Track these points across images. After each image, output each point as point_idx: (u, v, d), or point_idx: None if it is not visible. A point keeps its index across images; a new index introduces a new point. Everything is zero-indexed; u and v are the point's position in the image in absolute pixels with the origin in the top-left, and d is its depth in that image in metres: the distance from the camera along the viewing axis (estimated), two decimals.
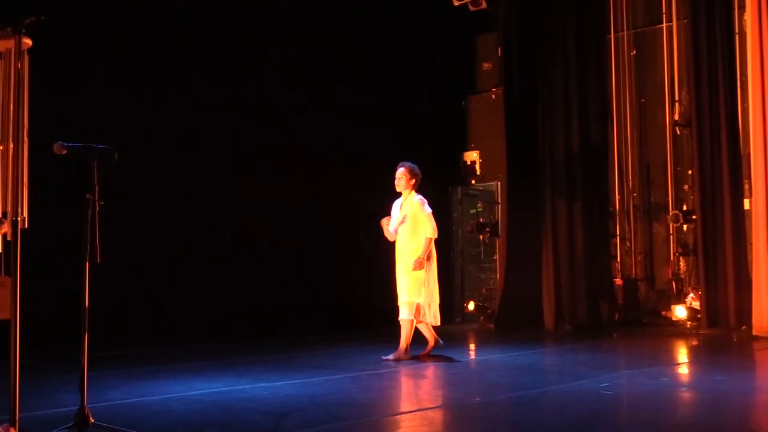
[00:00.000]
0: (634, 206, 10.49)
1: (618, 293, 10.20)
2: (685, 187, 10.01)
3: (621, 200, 10.55)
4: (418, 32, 10.91)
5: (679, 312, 9.58)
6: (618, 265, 10.41)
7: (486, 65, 11.54)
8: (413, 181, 7.22)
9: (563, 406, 4.98)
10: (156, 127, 8.44)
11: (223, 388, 5.64)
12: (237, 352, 7.80)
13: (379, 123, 10.47)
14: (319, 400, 5.27)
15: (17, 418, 3.63)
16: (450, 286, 11.43)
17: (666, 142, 10.19)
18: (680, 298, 9.76)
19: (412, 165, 7.27)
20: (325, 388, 5.74)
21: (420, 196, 7.24)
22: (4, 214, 3.79)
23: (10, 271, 3.70)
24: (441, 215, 11.52)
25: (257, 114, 9.27)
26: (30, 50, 3.89)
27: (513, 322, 9.97)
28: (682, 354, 8.01)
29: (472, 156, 11.52)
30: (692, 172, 9.65)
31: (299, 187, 9.61)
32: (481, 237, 11.24)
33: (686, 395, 5.70)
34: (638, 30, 10.54)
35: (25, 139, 3.81)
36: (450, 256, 11.48)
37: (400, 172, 7.24)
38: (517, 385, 5.90)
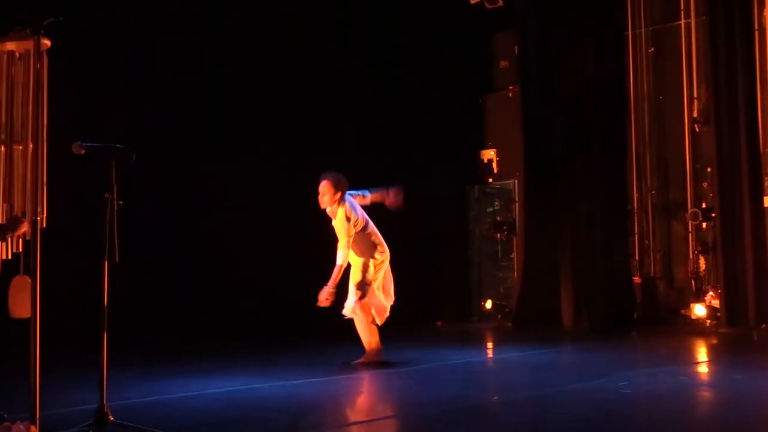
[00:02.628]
0: (653, 204, 10.43)
1: (636, 291, 10.14)
2: (704, 184, 9.94)
3: (639, 198, 10.49)
4: (434, 31, 10.89)
5: (698, 310, 9.52)
6: (636, 264, 10.35)
7: (503, 63, 11.51)
8: (339, 194, 6.39)
9: (582, 405, 4.95)
10: (172, 126, 8.46)
11: (240, 387, 5.66)
12: (255, 350, 7.83)
13: (395, 122, 10.46)
14: (336, 399, 5.28)
15: (38, 416, 3.65)
16: (467, 284, 11.43)
17: (684, 139, 10.12)
18: (699, 297, 9.69)
19: (336, 175, 6.44)
20: (342, 388, 5.75)
21: (346, 202, 6.47)
22: (23, 214, 3.82)
23: (29, 271, 3.72)
24: (458, 214, 11.57)
25: (269, 112, 9.26)
26: (49, 50, 3.92)
27: (531, 321, 9.94)
28: (702, 353, 7.96)
29: (489, 154, 11.49)
30: (711, 170, 9.58)
31: (312, 186, 9.58)
32: (498, 235, 11.22)
33: (706, 394, 5.66)
34: (656, 27, 10.48)
35: (44, 139, 3.83)
36: (467, 254, 11.48)
37: (323, 186, 6.42)
38: (535, 384, 5.88)
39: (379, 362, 6.51)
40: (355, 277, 6.60)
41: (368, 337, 6.55)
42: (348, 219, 6.41)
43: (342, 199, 6.45)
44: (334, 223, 6.52)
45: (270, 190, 9.10)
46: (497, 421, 4.78)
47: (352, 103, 10.05)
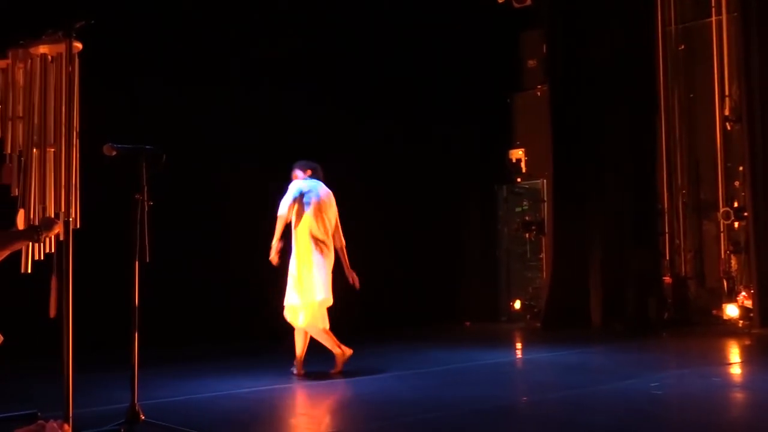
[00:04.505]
0: (684, 203, 10.33)
1: (667, 292, 10.05)
2: (736, 183, 9.83)
3: (670, 197, 10.40)
4: (462, 30, 10.87)
5: (731, 311, 9.42)
6: (667, 263, 10.26)
7: (531, 62, 11.45)
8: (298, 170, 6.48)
9: (612, 406, 4.92)
10: (204, 128, 8.52)
11: (270, 386, 5.69)
12: (284, 350, 7.85)
13: (423, 122, 10.45)
14: (364, 399, 5.29)
15: (71, 414, 3.70)
16: (496, 284, 11.39)
17: (716, 137, 10.01)
18: (731, 297, 9.59)
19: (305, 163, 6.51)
20: (372, 387, 5.75)
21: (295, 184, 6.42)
22: (57, 215, 3.87)
23: (62, 271, 3.77)
24: (486, 214, 11.53)
25: (289, 114, 9.26)
26: (80, 53, 3.96)
27: (560, 321, 9.87)
28: (734, 353, 7.87)
29: (517, 154, 11.44)
30: (743, 169, 9.47)
31: (352, 186, 9.54)
32: (527, 235, 11.17)
33: (738, 396, 5.60)
34: (687, 24, 10.38)
35: (76, 141, 3.88)
36: (496, 254, 11.44)
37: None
38: (564, 385, 5.85)
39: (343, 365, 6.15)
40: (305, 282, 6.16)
41: (330, 343, 6.18)
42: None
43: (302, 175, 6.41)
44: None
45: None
46: (526, 421, 4.76)
47: (377, 103, 10.04)
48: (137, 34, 8.11)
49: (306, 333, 6.19)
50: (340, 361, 6.17)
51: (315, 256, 6.18)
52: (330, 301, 6.21)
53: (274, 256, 6.13)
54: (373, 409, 4.96)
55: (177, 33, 8.40)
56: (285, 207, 6.19)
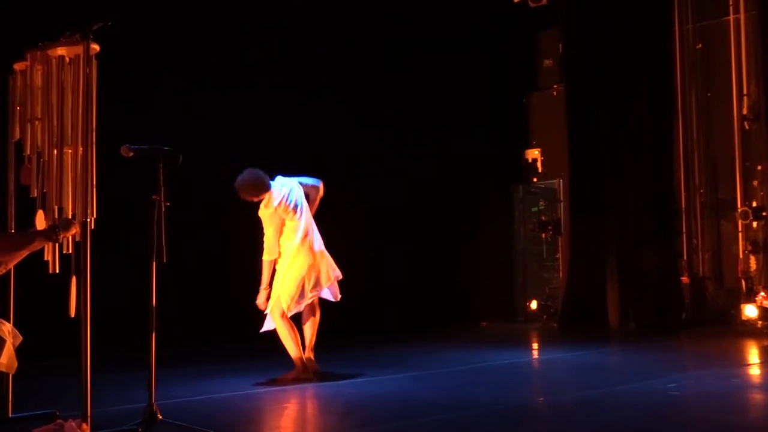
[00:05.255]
0: (701, 203, 10.27)
1: (685, 292, 9.99)
2: (755, 182, 9.76)
3: (687, 197, 10.33)
4: (478, 30, 10.86)
5: (749, 311, 9.35)
6: (685, 263, 10.20)
7: (547, 62, 11.42)
8: (263, 196, 5.87)
9: (629, 407, 4.90)
10: (218, 130, 8.55)
11: (287, 387, 5.70)
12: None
13: (438, 122, 10.44)
14: (381, 398, 5.29)
15: (89, 414, 3.72)
16: (512, 285, 11.37)
17: (734, 137, 9.94)
18: (750, 297, 9.52)
19: (245, 185, 5.84)
20: (388, 387, 5.75)
21: (271, 194, 5.88)
22: (74, 216, 3.89)
23: (80, 271, 3.79)
24: (502, 214, 11.51)
25: (302, 117, 9.26)
26: (97, 55, 3.99)
27: (577, 321, 9.85)
28: (753, 354, 7.81)
29: (533, 154, 11.42)
30: (762, 168, 9.41)
31: (367, 187, 9.56)
32: (543, 235, 11.15)
33: (758, 397, 5.55)
34: (704, 23, 10.32)
35: (93, 142, 3.90)
36: (512, 254, 11.42)
37: (246, 198, 5.93)
38: (581, 385, 5.83)
39: (306, 378, 5.83)
40: (285, 285, 5.89)
41: (294, 350, 5.89)
42: (272, 206, 5.85)
43: (267, 189, 5.87)
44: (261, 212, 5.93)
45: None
46: (543, 422, 4.75)
47: (391, 103, 10.04)
48: (154, 36, 8.14)
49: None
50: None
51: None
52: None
53: (263, 302, 5.91)
54: (390, 408, 4.96)
55: (191, 35, 8.43)
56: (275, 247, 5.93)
